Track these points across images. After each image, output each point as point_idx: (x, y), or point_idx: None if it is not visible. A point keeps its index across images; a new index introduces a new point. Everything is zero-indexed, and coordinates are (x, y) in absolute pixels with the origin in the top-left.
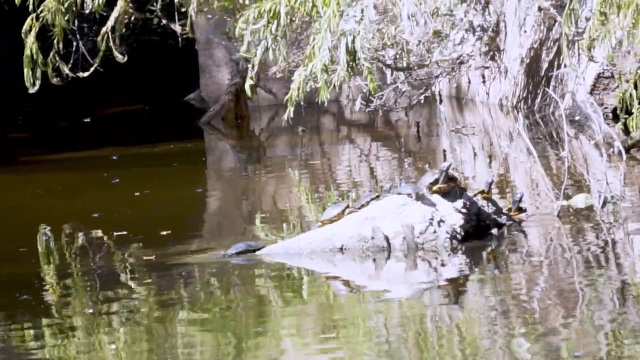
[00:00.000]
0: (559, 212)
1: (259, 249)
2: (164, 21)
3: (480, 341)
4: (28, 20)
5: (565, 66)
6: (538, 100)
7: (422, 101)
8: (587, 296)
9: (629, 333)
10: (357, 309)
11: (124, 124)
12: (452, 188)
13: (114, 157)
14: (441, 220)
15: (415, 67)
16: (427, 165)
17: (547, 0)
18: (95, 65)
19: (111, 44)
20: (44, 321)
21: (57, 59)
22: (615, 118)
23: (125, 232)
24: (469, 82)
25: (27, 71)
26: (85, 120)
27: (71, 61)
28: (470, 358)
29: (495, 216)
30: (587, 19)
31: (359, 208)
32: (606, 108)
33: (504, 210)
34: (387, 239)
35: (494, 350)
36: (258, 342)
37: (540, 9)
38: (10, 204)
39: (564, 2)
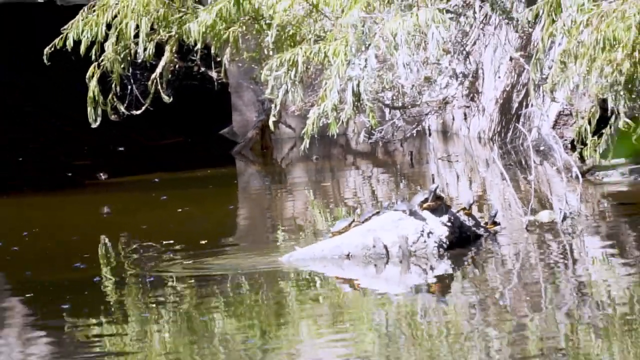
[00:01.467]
0: (527, 226)
1: None
2: (203, 69)
3: (461, 329)
4: (91, 68)
5: (532, 105)
6: (510, 133)
7: (414, 134)
8: (550, 294)
9: (584, 325)
10: (361, 304)
11: (169, 153)
12: (439, 205)
13: (156, 180)
14: (430, 232)
15: (409, 106)
16: (418, 187)
17: (518, 52)
18: (146, 104)
19: (159, 87)
20: (104, 314)
21: (115, 99)
22: (573, 148)
23: (171, 242)
24: (453, 118)
25: (90, 110)
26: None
27: (126, 101)
28: (452, 342)
29: (475, 229)
30: (550, 67)
31: (363, 222)
32: (565, 140)
33: (482, 224)
34: (385, 247)
35: (472, 335)
36: (281, 330)
37: (511, 58)
38: (76, 219)
39: (532, 53)
